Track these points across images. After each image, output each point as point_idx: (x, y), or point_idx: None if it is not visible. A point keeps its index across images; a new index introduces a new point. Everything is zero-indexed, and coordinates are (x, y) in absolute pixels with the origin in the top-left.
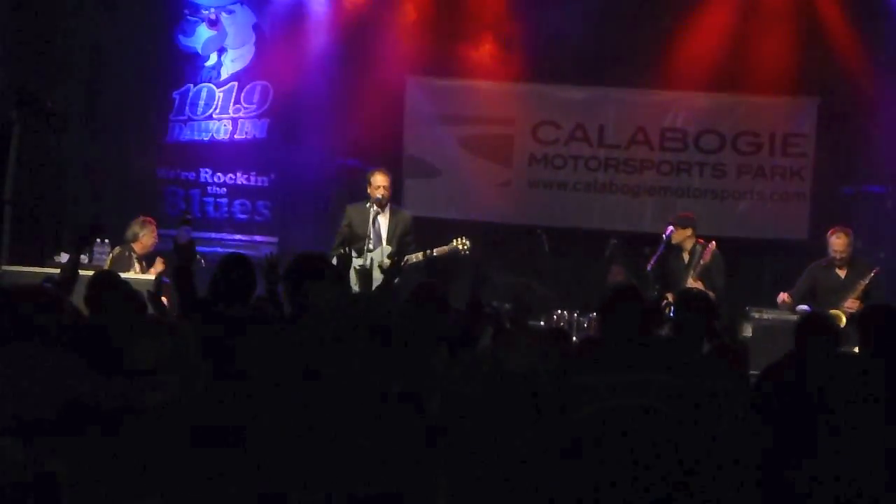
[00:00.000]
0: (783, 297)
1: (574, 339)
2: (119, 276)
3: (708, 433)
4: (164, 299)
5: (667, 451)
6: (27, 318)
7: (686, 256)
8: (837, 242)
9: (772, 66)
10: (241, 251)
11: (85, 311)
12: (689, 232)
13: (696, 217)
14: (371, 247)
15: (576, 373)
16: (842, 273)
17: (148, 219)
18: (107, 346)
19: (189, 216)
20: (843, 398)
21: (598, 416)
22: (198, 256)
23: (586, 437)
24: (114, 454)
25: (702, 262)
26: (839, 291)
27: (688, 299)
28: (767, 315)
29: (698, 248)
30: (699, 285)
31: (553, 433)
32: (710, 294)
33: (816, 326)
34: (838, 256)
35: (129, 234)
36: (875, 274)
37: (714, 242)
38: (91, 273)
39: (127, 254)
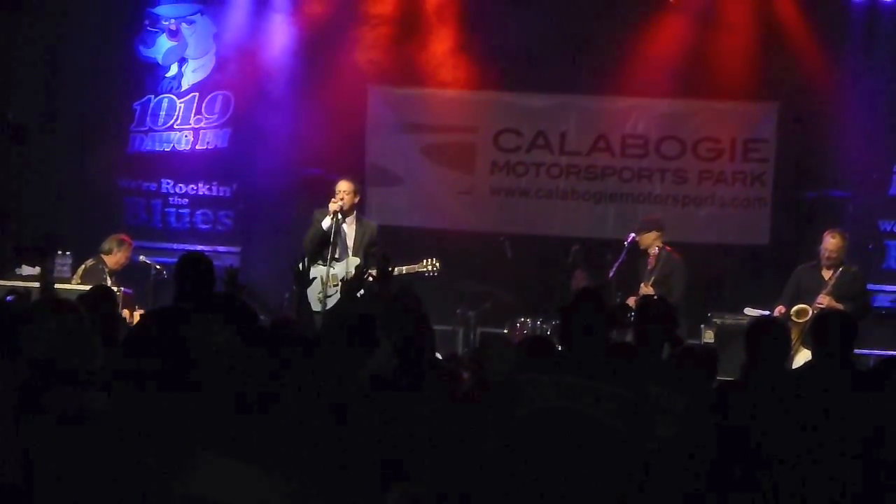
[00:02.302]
0: (779, 310)
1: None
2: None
3: (651, 444)
4: (127, 312)
5: (605, 459)
6: None
7: (651, 261)
8: (830, 242)
9: (731, 72)
10: None
11: None
12: (653, 235)
13: (661, 219)
14: (337, 256)
15: (524, 370)
16: (826, 275)
17: (126, 238)
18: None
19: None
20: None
21: (539, 416)
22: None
23: (525, 434)
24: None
25: (654, 267)
26: (816, 293)
27: (647, 306)
28: (729, 320)
29: (664, 253)
30: (649, 290)
31: (498, 429)
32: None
33: (764, 331)
34: (826, 255)
35: (105, 247)
36: (842, 271)
37: (668, 248)
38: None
39: (99, 267)
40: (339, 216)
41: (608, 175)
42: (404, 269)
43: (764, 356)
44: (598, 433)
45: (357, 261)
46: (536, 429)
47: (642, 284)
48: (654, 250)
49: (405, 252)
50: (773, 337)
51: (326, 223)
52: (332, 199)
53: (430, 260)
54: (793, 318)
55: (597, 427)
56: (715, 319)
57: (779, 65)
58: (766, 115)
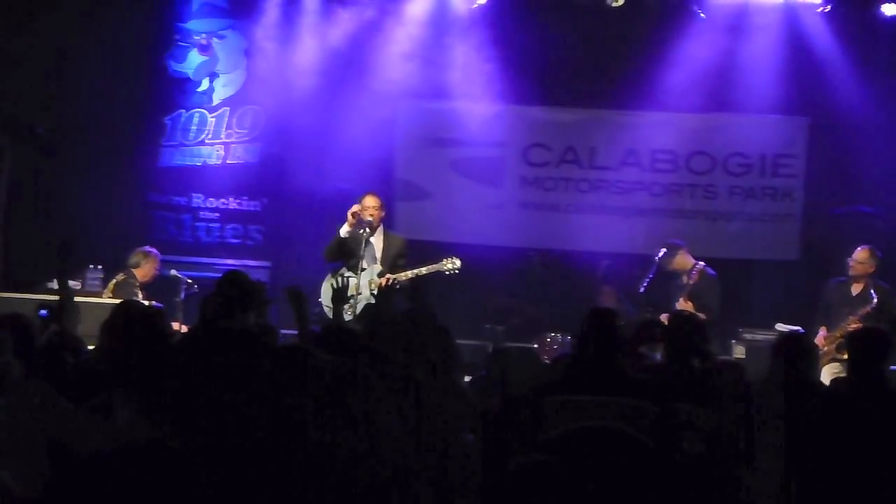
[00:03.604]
0: (822, 331)
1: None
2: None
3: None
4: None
5: (635, 475)
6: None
7: (684, 278)
8: (857, 254)
9: (761, 87)
10: None
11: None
12: (680, 255)
13: (682, 241)
14: (364, 266)
15: (550, 392)
16: (855, 289)
17: (151, 250)
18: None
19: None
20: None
21: (570, 436)
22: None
23: (557, 455)
24: None
25: (689, 282)
26: (847, 307)
27: (676, 322)
28: (759, 336)
29: (698, 268)
30: (689, 306)
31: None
32: (701, 315)
33: (789, 348)
34: (851, 266)
35: (131, 261)
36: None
37: (702, 263)
38: (89, 300)
39: (130, 281)
40: (367, 230)
41: (637, 190)
42: (424, 269)
43: (792, 371)
44: (631, 450)
45: (379, 268)
46: (571, 448)
47: (681, 299)
48: (689, 267)
49: (434, 262)
50: (801, 351)
51: (344, 230)
52: (356, 212)
53: (449, 259)
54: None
55: (631, 443)
56: (745, 335)
57: (808, 80)
58: (796, 130)
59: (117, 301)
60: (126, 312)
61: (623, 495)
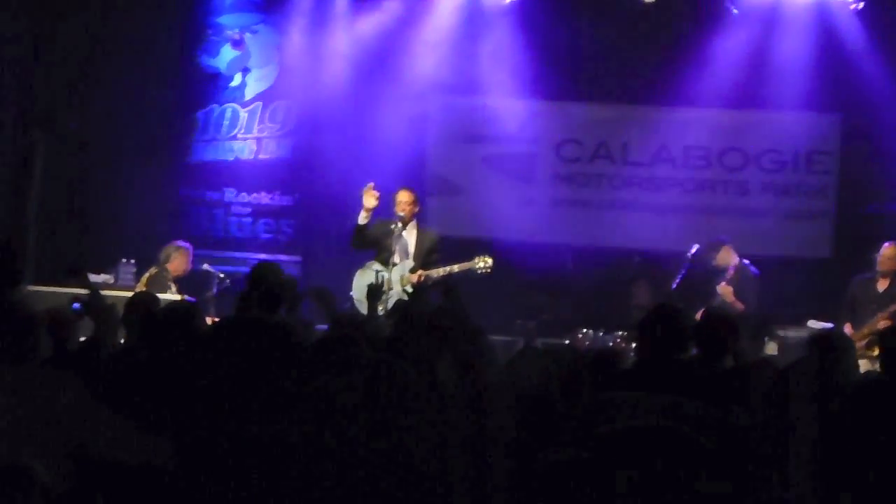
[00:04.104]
0: (847, 332)
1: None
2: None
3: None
4: None
5: (690, 475)
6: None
7: (729, 274)
8: (885, 250)
9: (794, 83)
10: None
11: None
12: (725, 250)
13: (727, 237)
14: (396, 261)
15: (603, 390)
16: (881, 286)
17: (182, 244)
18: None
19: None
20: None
21: (623, 434)
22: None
23: (608, 453)
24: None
25: (727, 276)
26: (873, 303)
27: (710, 318)
28: (792, 333)
29: (741, 265)
30: (728, 291)
31: (576, 449)
32: (739, 305)
33: (822, 345)
34: (879, 262)
35: (163, 255)
36: None
37: (746, 261)
38: (119, 293)
39: (163, 274)
40: (400, 225)
41: (670, 186)
42: (456, 267)
43: (826, 368)
44: (689, 450)
45: (411, 264)
46: (625, 447)
47: (721, 285)
48: (734, 263)
49: (464, 261)
50: (835, 349)
51: (362, 217)
52: (367, 196)
53: (481, 257)
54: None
55: (688, 444)
56: (777, 332)
57: (842, 76)
58: (829, 127)
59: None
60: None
61: (673, 493)
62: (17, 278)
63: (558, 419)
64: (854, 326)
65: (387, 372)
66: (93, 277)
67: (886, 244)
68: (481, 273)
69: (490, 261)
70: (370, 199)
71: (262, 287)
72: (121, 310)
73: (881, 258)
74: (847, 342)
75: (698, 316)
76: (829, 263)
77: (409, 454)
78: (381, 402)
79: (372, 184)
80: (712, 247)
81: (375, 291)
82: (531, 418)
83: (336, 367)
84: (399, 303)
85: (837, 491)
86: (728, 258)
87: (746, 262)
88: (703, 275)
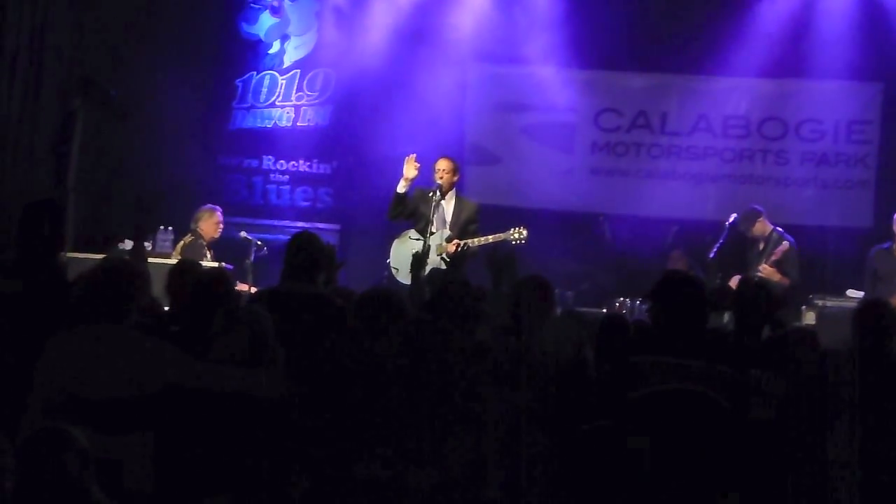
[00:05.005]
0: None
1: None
2: (199, 264)
3: (754, 423)
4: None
5: (718, 438)
6: (113, 299)
7: (761, 245)
8: None
9: (835, 52)
10: None
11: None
12: (757, 223)
13: (761, 207)
14: (434, 230)
15: (632, 355)
16: None
17: (213, 207)
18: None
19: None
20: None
21: (655, 398)
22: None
23: (642, 417)
24: (190, 445)
25: (773, 258)
26: (894, 275)
27: (747, 288)
28: (831, 303)
29: (774, 235)
30: (772, 272)
31: (610, 413)
32: (785, 281)
33: (873, 313)
34: None
35: (194, 219)
36: None
37: (787, 244)
38: (156, 261)
39: (199, 242)
40: (438, 193)
41: (709, 156)
42: (490, 237)
43: (871, 339)
44: (712, 413)
45: (448, 233)
46: (656, 409)
47: (764, 265)
48: (767, 233)
49: (502, 231)
50: (881, 319)
51: (402, 186)
52: (409, 166)
53: (517, 228)
54: None
55: (712, 407)
56: (817, 301)
57: (883, 45)
58: (871, 95)
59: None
60: (184, 272)
61: (702, 457)
62: (60, 243)
63: (591, 383)
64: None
65: (430, 329)
66: (130, 244)
67: None
68: (516, 244)
69: (525, 232)
70: (411, 170)
71: (300, 256)
72: (154, 276)
73: None
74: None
75: (733, 284)
76: (869, 232)
77: (450, 410)
78: (424, 358)
79: (414, 155)
80: (747, 217)
81: (419, 260)
82: (566, 381)
83: (378, 328)
84: (435, 271)
85: (878, 461)
86: (763, 228)
87: (780, 230)
88: (741, 244)
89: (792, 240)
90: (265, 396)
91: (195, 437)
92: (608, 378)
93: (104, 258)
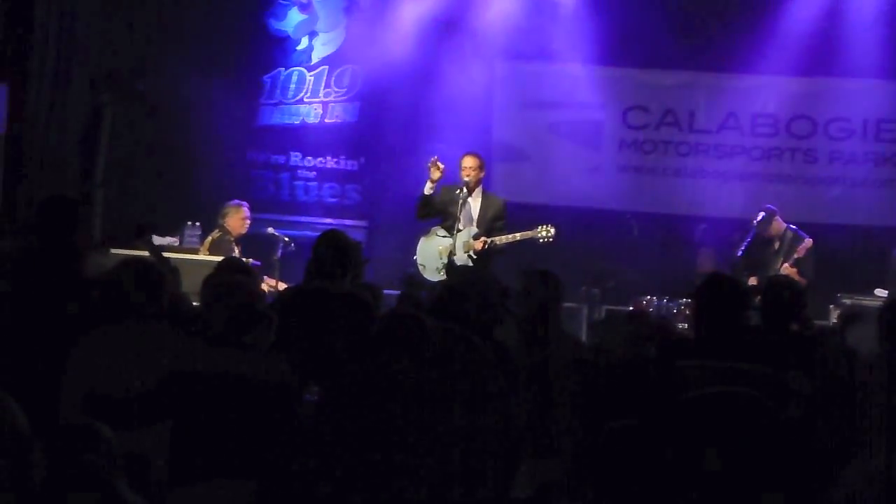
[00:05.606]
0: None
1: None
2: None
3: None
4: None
5: (765, 440)
6: (128, 297)
7: (776, 244)
8: None
9: (863, 50)
10: None
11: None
12: (776, 220)
13: (773, 205)
14: (461, 227)
15: (677, 358)
16: None
17: (239, 202)
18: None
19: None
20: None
21: (702, 401)
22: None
23: (689, 420)
24: (211, 431)
25: (796, 256)
26: None
27: (776, 286)
28: (858, 301)
29: (789, 234)
30: (793, 272)
31: (659, 417)
32: (803, 281)
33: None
34: None
35: (221, 215)
36: None
37: (810, 240)
38: (183, 256)
39: (227, 238)
40: (465, 190)
41: (737, 154)
42: (518, 235)
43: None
44: (763, 416)
45: (475, 230)
46: (704, 413)
47: (785, 265)
48: (782, 231)
49: (529, 228)
50: None
51: (428, 187)
52: (433, 168)
53: (544, 226)
54: None
55: (761, 409)
56: (844, 300)
57: None
58: None
59: (215, 258)
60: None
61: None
62: (77, 236)
63: (636, 386)
64: None
65: (453, 344)
66: (157, 240)
67: None
68: (543, 242)
69: (553, 230)
70: (435, 172)
71: (327, 255)
72: (184, 272)
73: None
74: None
75: (753, 282)
76: None
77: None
78: (448, 377)
79: (436, 157)
80: (765, 216)
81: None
82: (616, 383)
83: (402, 347)
84: (454, 268)
85: None
86: (778, 227)
87: (794, 227)
88: (765, 243)
89: (805, 236)
90: (273, 381)
91: (211, 423)
92: (657, 381)
93: (123, 258)
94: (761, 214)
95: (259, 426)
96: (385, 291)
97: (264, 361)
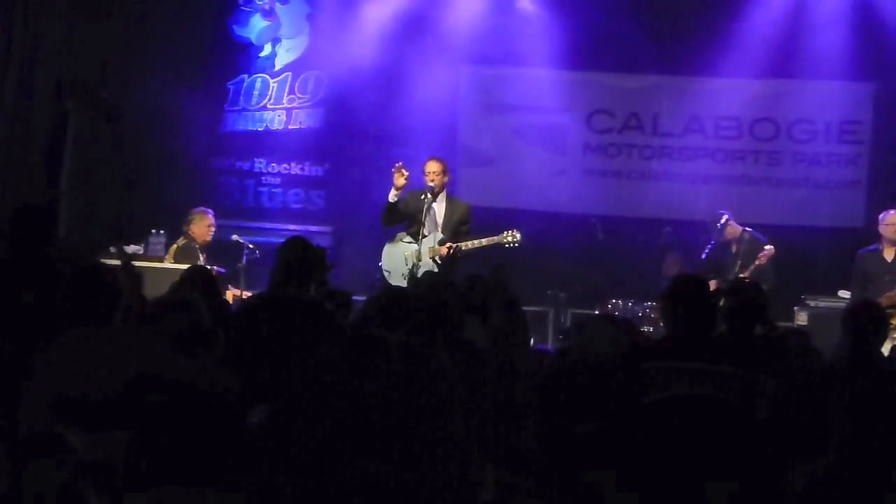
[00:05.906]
0: None
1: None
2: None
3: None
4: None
5: (730, 441)
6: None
7: (734, 247)
8: (888, 218)
9: (827, 52)
10: None
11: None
12: (728, 226)
13: (725, 211)
14: (426, 233)
15: (643, 359)
16: (888, 255)
17: (204, 209)
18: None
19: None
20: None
21: (666, 403)
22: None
23: (654, 422)
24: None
25: (757, 263)
26: (886, 274)
27: (739, 288)
28: (822, 303)
29: (746, 236)
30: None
31: (624, 418)
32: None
33: (864, 314)
34: (884, 235)
35: (186, 222)
36: None
37: (771, 248)
38: (152, 264)
39: (192, 245)
40: (429, 196)
41: (701, 157)
42: (484, 240)
43: (862, 340)
44: (732, 418)
45: (440, 235)
46: (670, 415)
47: (741, 271)
48: (738, 234)
49: (495, 233)
50: (872, 320)
51: (392, 196)
52: (397, 175)
53: (510, 231)
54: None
55: (731, 412)
56: (808, 302)
57: (875, 45)
58: (862, 96)
59: (180, 266)
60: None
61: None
62: (51, 243)
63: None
64: None
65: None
66: (133, 248)
67: (890, 212)
68: (509, 247)
69: (518, 235)
70: (399, 178)
71: (291, 262)
72: (149, 280)
73: (884, 226)
74: (883, 314)
75: (714, 285)
76: (861, 233)
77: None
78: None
79: (401, 163)
80: (724, 220)
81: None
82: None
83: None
84: (426, 274)
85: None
86: (734, 230)
87: (750, 230)
88: (724, 246)
89: (763, 238)
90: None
91: (165, 429)
92: (622, 383)
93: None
94: (725, 217)
95: (206, 437)
96: (356, 298)
97: (211, 373)
